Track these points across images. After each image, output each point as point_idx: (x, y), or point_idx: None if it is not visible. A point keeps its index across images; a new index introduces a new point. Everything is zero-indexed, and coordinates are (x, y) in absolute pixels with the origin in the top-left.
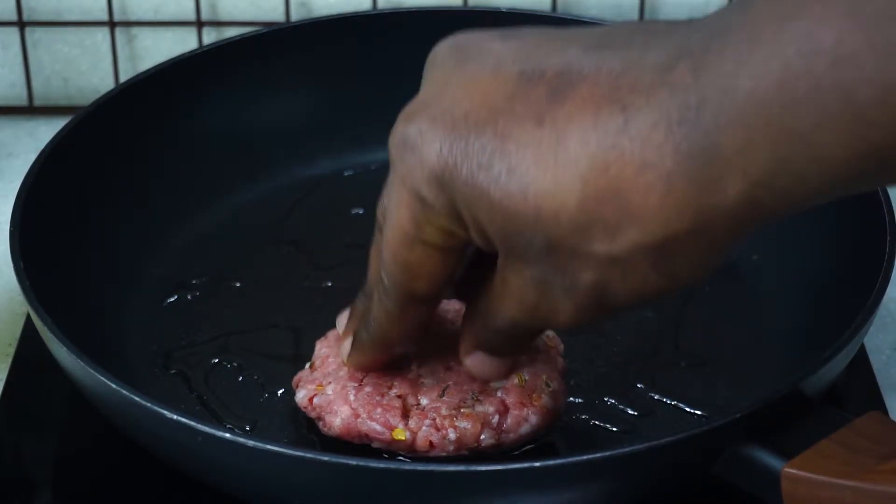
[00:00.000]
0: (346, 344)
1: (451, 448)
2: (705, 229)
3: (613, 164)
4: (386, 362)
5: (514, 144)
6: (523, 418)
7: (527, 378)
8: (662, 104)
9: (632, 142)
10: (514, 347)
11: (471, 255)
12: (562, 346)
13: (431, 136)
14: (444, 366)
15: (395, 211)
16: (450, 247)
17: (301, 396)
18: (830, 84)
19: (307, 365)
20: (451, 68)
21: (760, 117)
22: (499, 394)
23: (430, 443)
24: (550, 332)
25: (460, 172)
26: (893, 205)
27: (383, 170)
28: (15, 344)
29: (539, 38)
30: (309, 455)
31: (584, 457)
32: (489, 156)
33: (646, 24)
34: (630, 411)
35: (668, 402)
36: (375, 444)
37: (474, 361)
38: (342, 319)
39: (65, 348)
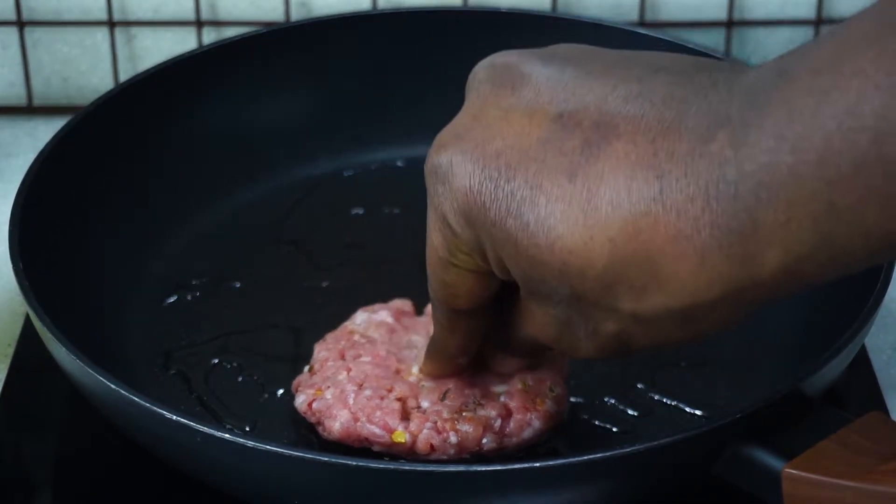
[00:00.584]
0: (422, 354)
1: (452, 451)
2: (735, 298)
3: (645, 230)
4: (454, 373)
5: (545, 196)
6: (526, 422)
7: (530, 383)
8: (700, 176)
9: (666, 211)
10: (537, 353)
11: None
12: None
13: (461, 170)
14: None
15: (431, 234)
16: (482, 271)
17: (300, 402)
18: (874, 160)
19: (306, 369)
20: (486, 94)
21: (802, 193)
22: (502, 398)
23: (431, 445)
24: None
25: (488, 213)
26: None
27: (383, 170)
28: (14, 344)
29: (578, 72)
30: (309, 455)
31: (584, 457)
32: (518, 203)
33: (685, 70)
34: (630, 411)
35: (668, 402)
36: (376, 448)
37: (498, 361)
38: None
39: (64, 348)
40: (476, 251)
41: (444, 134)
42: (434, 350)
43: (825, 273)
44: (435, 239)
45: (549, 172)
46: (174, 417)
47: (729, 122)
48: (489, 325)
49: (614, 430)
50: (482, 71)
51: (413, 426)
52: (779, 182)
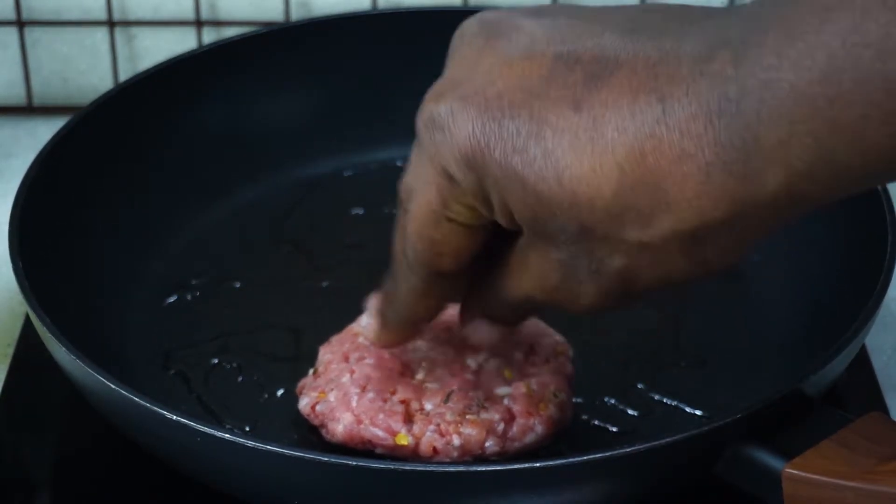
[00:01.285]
0: (374, 324)
1: (456, 454)
2: (741, 219)
3: (651, 152)
4: (410, 340)
5: (551, 129)
6: (529, 427)
7: (535, 387)
8: (702, 95)
9: (670, 131)
10: (520, 318)
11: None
12: (571, 352)
13: (463, 115)
14: (448, 371)
15: (422, 188)
16: (476, 224)
17: (304, 404)
18: (877, 76)
19: (310, 371)
20: (481, 46)
21: (804, 110)
22: (505, 401)
23: (434, 448)
24: (560, 338)
25: (493, 154)
26: (894, 204)
27: (383, 170)
28: (14, 344)
29: (571, 20)
30: (309, 455)
31: (584, 457)
32: (524, 139)
33: (679, 9)
34: (630, 411)
35: (669, 402)
36: (379, 451)
37: (475, 328)
38: (372, 302)
39: (64, 349)
40: (478, 198)
41: (439, 85)
42: (398, 317)
43: (825, 193)
44: (428, 192)
45: (554, 106)
46: (174, 417)
47: (729, 42)
48: (460, 290)
49: (614, 430)
50: (472, 26)
51: (416, 429)
52: (780, 99)
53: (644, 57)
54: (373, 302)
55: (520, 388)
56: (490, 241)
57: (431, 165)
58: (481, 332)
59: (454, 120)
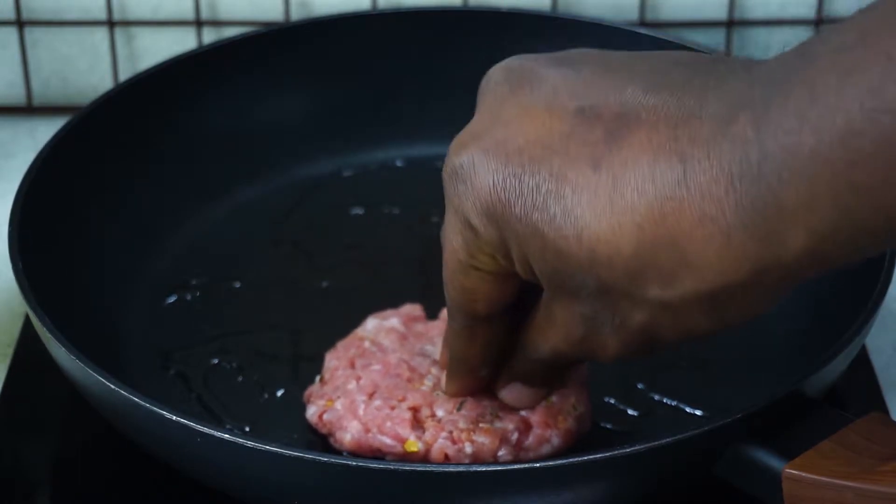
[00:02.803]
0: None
1: (467, 462)
2: (762, 280)
3: (671, 214)
4: (479, 388)
5: (570, 187)
6: (546, 439)
7: (554, 399)
8: (723, 157)
9: (691, 193)
10: (552, 377)
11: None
12: None
13: (484, 168)
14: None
15: (450, 237)
16: (503, 273)
17: (311, 413)
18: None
19: (317, 378)
20: (504, 95)
21: (825, 173)
22: (523, 412)
23: (446, 455)
24: None
25: (513, 209)
26: None
27: (383, 170)
28: (14, 344)
29: (594, 71)
30: (309, 455)
31: (584, 457)
32: (544, 196)
33: (702, 63)
34: (630, 411)
35: (669, 402)
36: (389, 458)
37: (510, 391)
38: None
39: (63, 349)
40: (499, 251)
41: (463, 135)
42: (455, 365)
43: (847, 254)
44: (455, 242)
45: (574, 164)
46: (174, 417)
47: (751, 103)
48: (506, 335)
49: (614, 430)
50: (497, 73)
51: (428, 435)
52: (801, 162)
53: (665, 115)
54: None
55: None
56: (524, 290)
57: (456, 216)
58: (516, 394)
59: (475, 172)
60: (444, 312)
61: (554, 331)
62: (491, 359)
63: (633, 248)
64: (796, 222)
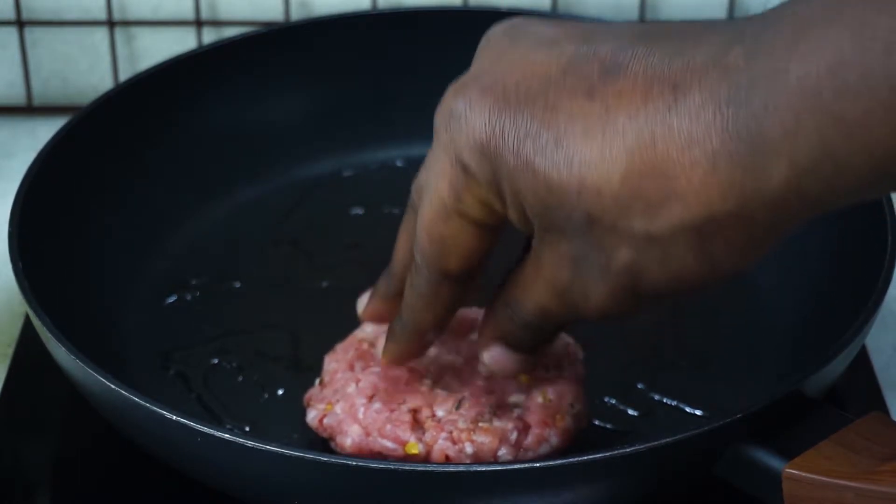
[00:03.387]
0: (381, 341)
1: (468, 462)
2: (747, 214)
3: (660, 139)
4: (419, 354)
5: (564, 115)
6: (544, 438)
7: (551, 397)
8: (713, 84)
9: (680, 119)
10: (536, 341)
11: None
12: (582, 354)
13: (480, 105)
14: (458, 378)
15: (435, 182)
16: (486, 223)
17: (311, 417)
18: (882, 72)
19: (317, 381)
20: (505, 46)
21: (809, 103)
22: (519, 411)
23: (447, 456)
24: (570, 339)
25: (507, 142)
26: (894, 204)
27: (383, 170)
28: (14, 344)
29: (593, 26)
30: (309, 455)
31: (584, 457)
32: (537, 125)
33: (699, 21)
34: (630, 411)
35: (669, 402)
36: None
37: (493, 355)
38: (362, 302)
39: (63, 348)
40: (491, 189)
41: (461, 80)
42: (403, 327)
43: (830, 194)
44: (441, 186)
45: (568, 93)
46: (174, 417)
47: (743, 39)
48: (465, 298)
49: (614, 430)
50: (498, 30)
51: (428, 437)
52: (787, 91)
53: (661, 53)
54: (363, 302)
55: (536, 397)
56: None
57: (446, 157)
58: (499, 357)
59: (471, 109)
60: None
61: (541, 279)
62: (442, 325)
63: (621, 174)
64: (779, 153)
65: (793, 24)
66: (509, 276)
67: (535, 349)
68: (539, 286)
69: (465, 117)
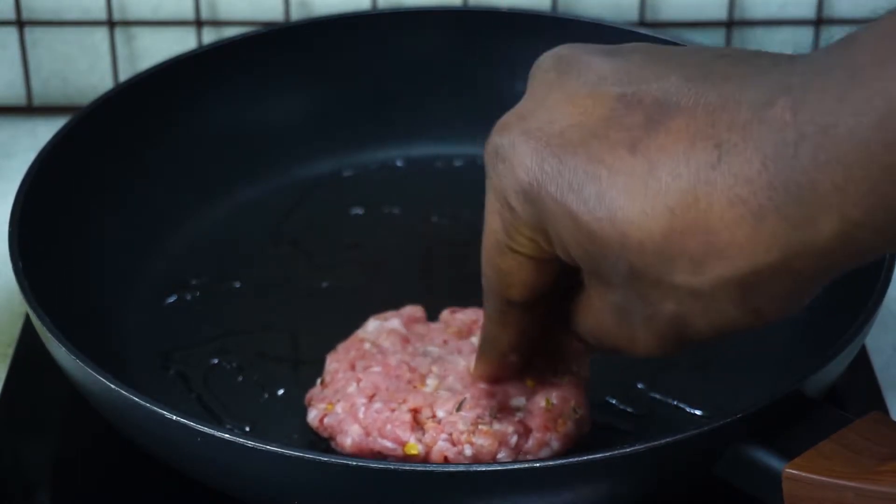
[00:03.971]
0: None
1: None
2: (793, 267)
3: (703, 198)
4: (506, 374)
5: (606, 170)
6: (545, 442)
7: (555, 401)
8: (759, 141)
9: (724, 177)
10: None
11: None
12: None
13: (524, 149)
14: (460, 378)
15: (489, 218)
16: (540, 257)
17: (312, 417)
18: None
19: (318, 381)
20: (551, 81)
21: (861, 155)
22: (520, 414)
23: (446, 458)
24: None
25: (549, 190)
26: None
27: (383, 170)
28: (14, 344)
29: (642, 60)
30: (309, 455)
31: (584, 457)
32: (580, 178)
33: (747, 56)
34: (630, 411)
35: (669, 402)
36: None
37: (570, 343)
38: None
39: (63, 348)
40: (537, 231)
41: (507, 117)
42: (485, 348)
43: (880, 242)
44: (493, 222)
45: (611, 147)
46: (174, 417)
47: (790, 89)
48: (541, 323)
49: (614, 430)
50: (546, 61)
51: (427, 437)
52: (837, 144)
53: (705, 103)
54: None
55: (539, 401)
56: (561, 278)
57: (495, 196)
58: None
59: (515, 153)
60: (445, 314)
61: (590, 318)
62: (521, 346)
63: (664, 231)
64: (829, 206)
65: (841, 74)
66: (572, 296)
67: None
68: (590, 321)
69: (509, 160)
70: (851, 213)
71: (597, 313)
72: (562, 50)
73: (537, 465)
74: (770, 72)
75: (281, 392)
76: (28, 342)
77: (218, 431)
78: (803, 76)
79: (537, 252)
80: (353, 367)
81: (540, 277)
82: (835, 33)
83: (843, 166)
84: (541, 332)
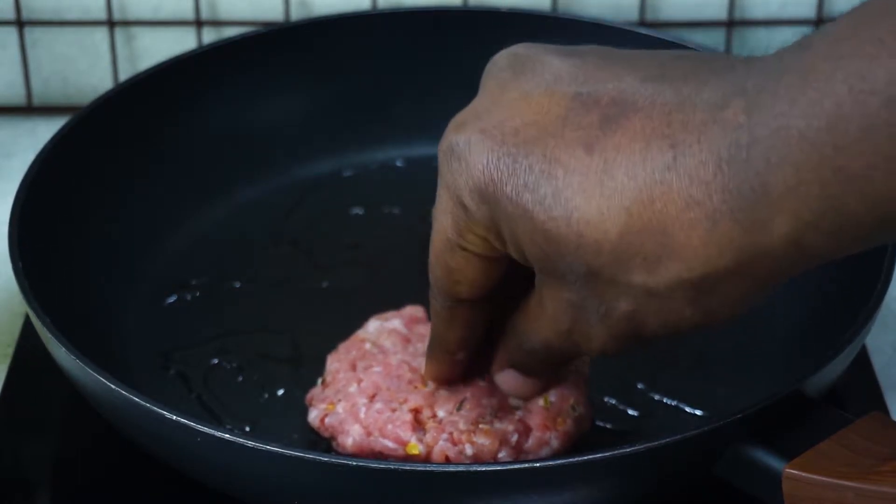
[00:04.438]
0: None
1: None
2: (747, 269)
3: (659, 198)
4: (455, 373)
5: (562, 169)
6: (545, 441)
7: (553, 400)
8: (713, 142)
9: (679, 179)
10: (546, 369)
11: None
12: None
13: (479, 147)
14: (461, 379)
15: (440, 216)
16: (490, 256)
17: (313, 417)
18: (883, 123)
19: (318, 381)
20: (506, 80)
21: (812, 157)
22: (520, 412)
23: (447, 457)
24: None
25: (504, 189)
26: None
27: (383, 170)
28: (14, 344)
29: (598, 61)
30: (309, 455)
31: (584, 457)
32: (536, 177)
33: (704, 58)
34: (630, 411)
35: (669, 402)
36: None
37: (506, 379)
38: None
39: (63, 349)
40: (490, 231)
41: (462, 115)
42: (433, 347)
43: (832, 245)
44: (444, 220)
45: (567, 146)
46: (174, 417)
47: (745, 91)
48: (486, 322)
49: (614, 430)
50: (502, 59)
51: (429, 437)
52: (789, 146)
53: (661, 103)
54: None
55: (537, 400)
56: (510, 275)
57: (448, 194)
58: (511, 381)
59: (470, 151)
60: None
61: (544, 319)
62: (468, 344)
63: (620, 231)
64: (781, 208)
65: (794, 76)
66: (520, 305)
67: (545, 374)
68: (543, 324)
69: (464, 158)
70: (803, 215)
71: (549, 315)
72: (518, 49)
73: (537, 464)
74: (726, 74)
75: (281, 392)
76: (28, 342)
77: (218, 431)
78: (758, 78)
79: (488, 251)
80: (353, 368)
81: (488, 275)
82: None
83: (794, 168)
84: (487, 330)
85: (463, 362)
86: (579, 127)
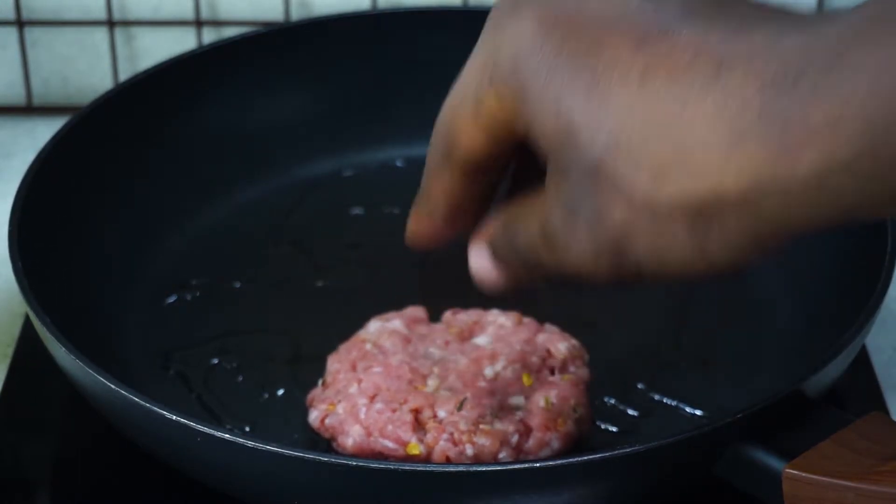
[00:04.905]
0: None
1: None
2: (755, 204)
3: (690, 108)
4: (434, 242)
5: (605, 60)
6: (546, 442)
7: (554, 401)
8: (760, 65)
9: (715, 93)
10: (515, 269)
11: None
12: (587, 356)
13: (529, 20)
14: (461, 379)
15: (468, 68)
16: (495, 126)
17: (313, 417)
18: None
19: (319, 382)
20: None
21: (862, 91)
22: (521, 414)
23: (447, 458)
24: (575, 342)
25: (541, 67)
26: None
27: (383, 170)
28: (14, 344)
29: None
30: (309, 455)
31: (584, 457)
32: (576, 62)
33: (770, 6)
34: (630, 411)
35: (669, 402)
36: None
37: (477, 255)
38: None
39: (63, 349)
40: (513, 102)
41: None
42: (417, 202)
43: (853, 197)
44: (470, 76)
45: (618, 38)
46: (174, 417)
47: (804, 27)
48: (476, 203)
49: (614, 430)
50: None
51: (429, 437)
52: (841, 78)
53: (720, 30)
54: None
55: (538, 401)
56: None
57: (485, 53)
58: (479, 260)
59: (520, 20)
60: (447, 315)
61: (536, 216)
62: (451, 215)
63: (640, 132)
64: (814, 141)
65: (857, 13)
66: (519, 194)
67: (515, 275)
68: (532, 220)
69: (514, 23)
70: (836, 153)
71: (541, 213)
72: None
73: (538, 465)
74: (790, 16)
75: (281, 392)
76: (28, 342)
77: (218, 431)
78: (821, 20)
79: (496, 121)
80: (354, 368)
81: (487, 146)
82: None
83: (841, 99)
84: (474, 213)
85: (443, 233)
86: (635, 24)
